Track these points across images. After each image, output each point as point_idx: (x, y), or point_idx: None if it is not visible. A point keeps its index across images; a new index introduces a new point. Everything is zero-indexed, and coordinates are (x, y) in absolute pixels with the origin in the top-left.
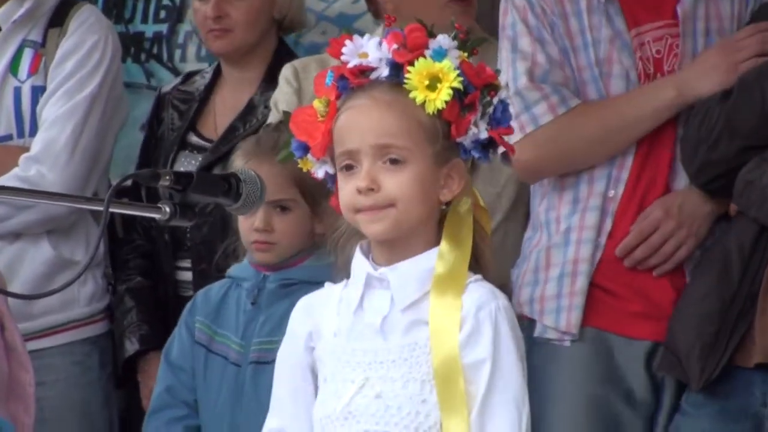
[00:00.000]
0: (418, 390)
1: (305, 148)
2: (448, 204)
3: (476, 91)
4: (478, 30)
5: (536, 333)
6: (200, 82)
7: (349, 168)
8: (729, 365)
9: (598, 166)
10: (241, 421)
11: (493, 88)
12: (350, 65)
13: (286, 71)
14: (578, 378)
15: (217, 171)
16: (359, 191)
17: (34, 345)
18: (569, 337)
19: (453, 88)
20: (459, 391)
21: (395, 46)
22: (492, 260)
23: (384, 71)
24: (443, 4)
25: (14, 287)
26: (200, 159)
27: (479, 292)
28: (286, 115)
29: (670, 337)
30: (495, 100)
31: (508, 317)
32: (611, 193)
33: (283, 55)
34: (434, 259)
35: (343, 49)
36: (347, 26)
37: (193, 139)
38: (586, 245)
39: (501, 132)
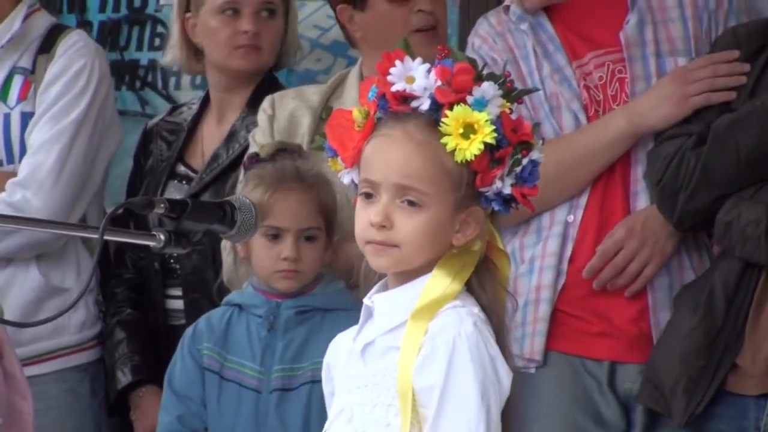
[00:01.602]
0: (383, 414)
1: (336, 152)
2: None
3: (509, 147)
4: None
5: None
6: (188, 113)
7: (368, 196)
8: (722, 390)
9: None
10: None
11: (526, 146)
12: (394, 88)
13: (265, 103)
14: (549, 402)
15: (204, 199)
16: (372, 225)
17: (24, 372)
18: (534, 364)
19: (485, 142)
20: (408, 415)
21: (440, 83)
22: (502, 303)
23: (425, 104)
24: (406, 33)
25: (3, 313)
26: (187, 189)
27: (447, 318)
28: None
29: (651, 370)
30: (525, 160)
31: (471, 343)
32: (570, 218)
33: (268, 83)
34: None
35: (392, 70)
36: (342, 54)
37: (181, 169)
38: (548, 272)
39: (524, 192)
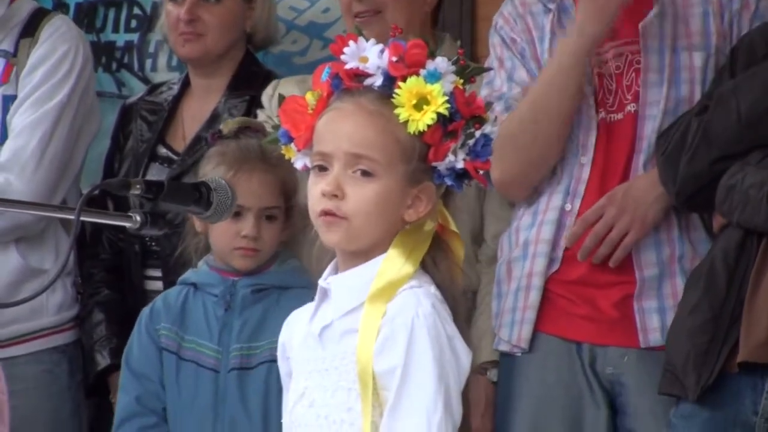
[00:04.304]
0: (345, 398)
1: (290, 137)
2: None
3: (462, 120)
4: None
5: (493, 345)
6: (168, 93)
7: (321, 169)
8: (719, 373)
9: (557, 179)
10: (226, 426)
11: (479, 120)
12: (348, 66)
13: (269, 87)
14: (533, 383)
15: (186, 181)
16: (324, 194)
17: (1, 353)
18: (518, 350)
19: (438, 113)
20: (368, 398)
21: (394, 58)
22: (457, 282)
23: (378, 80)
24: (352, 19)
25: None
26: (169, 171)
27: (405, 299)
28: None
29: (667, 356)
30: (478, 133)
31: (428, 323)
32: (568, 206)
33: (249, 65)
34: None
35: (345, 49)
36: (318, 35)
37: (162, 151)
38: (540, 259)
39: (477, 166)
